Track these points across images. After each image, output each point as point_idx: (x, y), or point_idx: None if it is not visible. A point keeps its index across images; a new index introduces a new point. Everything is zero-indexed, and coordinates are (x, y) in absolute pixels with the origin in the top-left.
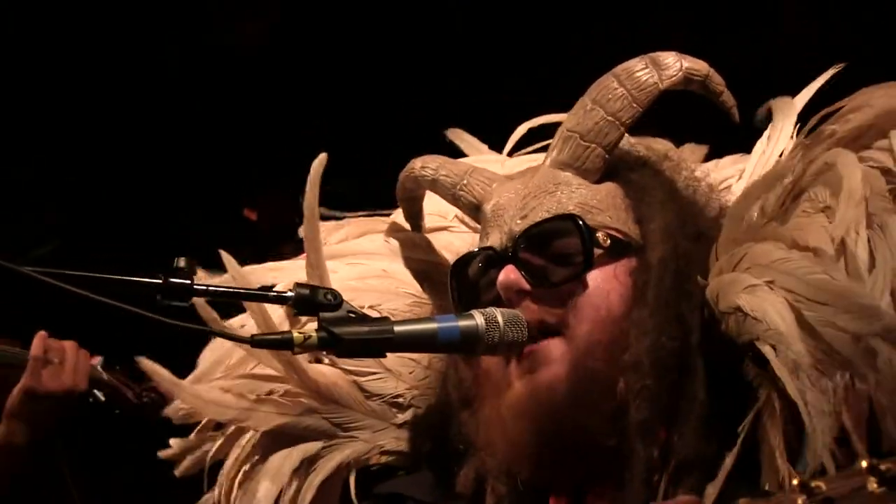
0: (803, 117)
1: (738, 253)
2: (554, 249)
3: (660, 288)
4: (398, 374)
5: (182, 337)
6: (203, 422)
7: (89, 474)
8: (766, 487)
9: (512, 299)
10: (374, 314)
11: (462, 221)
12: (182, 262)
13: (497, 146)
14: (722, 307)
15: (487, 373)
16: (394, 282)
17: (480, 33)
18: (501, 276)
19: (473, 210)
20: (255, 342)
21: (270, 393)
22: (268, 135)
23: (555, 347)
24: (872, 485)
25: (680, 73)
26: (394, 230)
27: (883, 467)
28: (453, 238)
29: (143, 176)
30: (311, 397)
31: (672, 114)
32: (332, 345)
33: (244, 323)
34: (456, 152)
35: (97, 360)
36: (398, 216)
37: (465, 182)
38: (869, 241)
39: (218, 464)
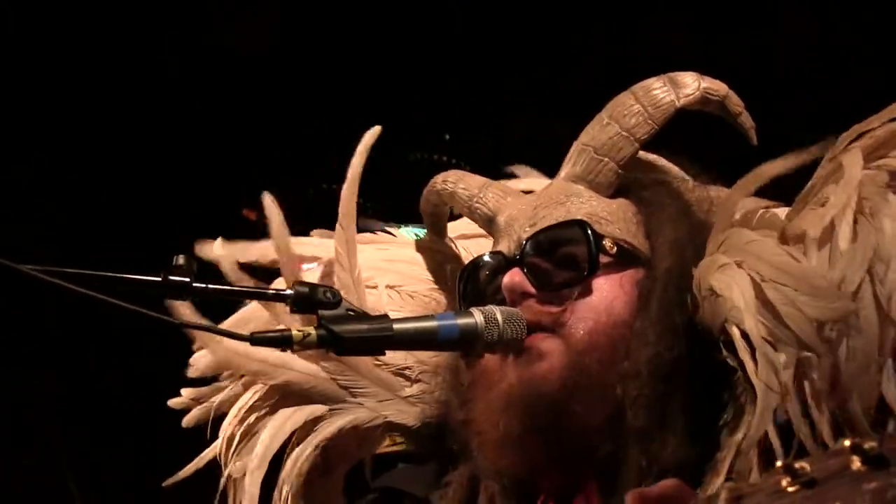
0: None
1: (720, 237)
2: (560, 254)
3: (664, 299)
4: None
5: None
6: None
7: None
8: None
9: (516, 301)
10: (394, 293)
11: None
12: (181, 260)
13: (498, 146)
14: (702, 292)
15: (484, 370)
16: (419, 268)
17: (482, 31)
18: (506, 279)
19: (488, 222)
20: (253, 340)
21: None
22: (268, 134)
23: (552, 344)
24: (856, 464)
25: (697, 93)
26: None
27: (866, 446)
28: (489, 245)
29: (142, 175)
30: (324, 356)
31: (689, 135)
32: (332, 343)
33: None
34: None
35: None
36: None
37: (480, 195)
38: (855, 222)
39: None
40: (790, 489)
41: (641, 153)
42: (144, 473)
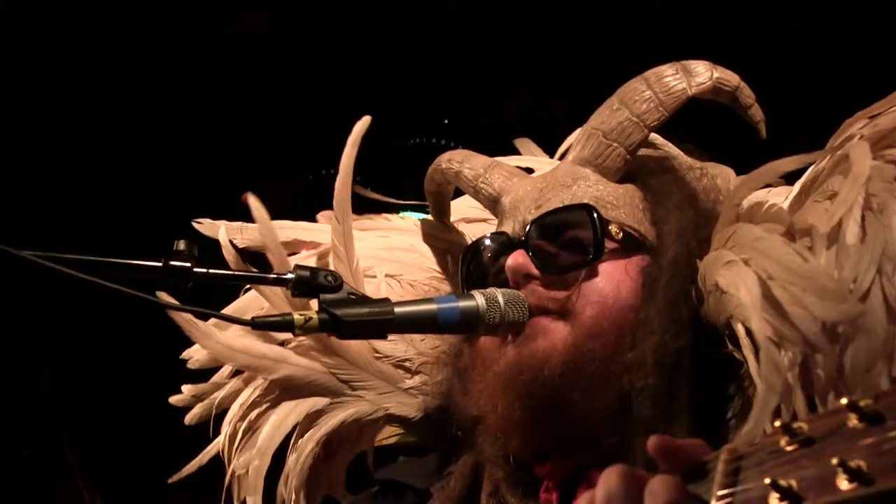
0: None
1: (727, 232)
2: (565, 237)
3: (669, 289)
4: (410, 340)
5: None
6: (222, 370)
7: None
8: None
9: (519, 283)
10: (394, 283)
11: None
12: (182, 245)
13: (500, 136)
14: (707, 287)
15: (482, 350)
16: (419, 257)
17: (483, 22)
18: (510, 261)
19: (493, 203)
20: (255, 324)
21: (283, 344)
22: (268, 121)
23: (556, 324)
24: (853, 421)
25: (710, 82)
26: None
27: (862, 404)
28: (490, 229)
29: (142, 161)
30: (322, 351)
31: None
32: (333, 326)
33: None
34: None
35: None
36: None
37: (486, 175)
38: (863, 219)
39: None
40: (788, 448)
41: (652, 135)
42: (150, 466)
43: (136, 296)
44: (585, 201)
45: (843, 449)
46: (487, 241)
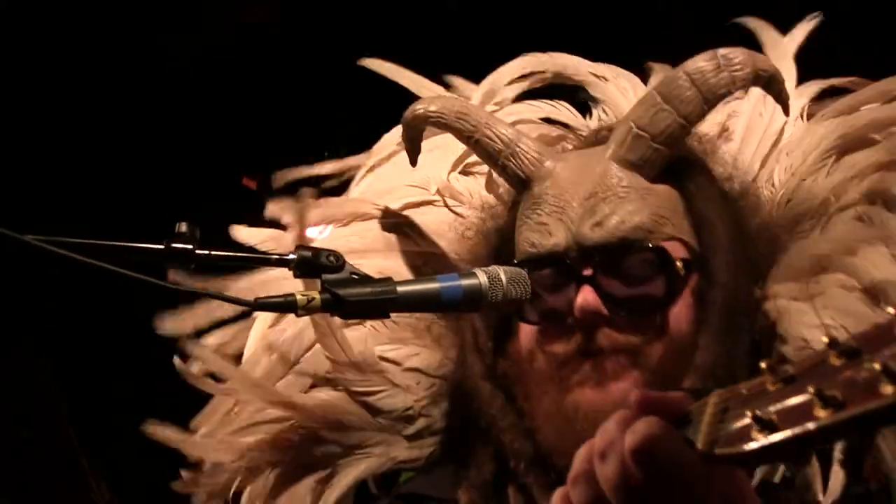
0: None
1: (814, 289)
2: (633, 275)
3: (722, 307)
4: (406, 388)
5: None
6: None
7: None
8: None
9: (588, 321)
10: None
11: (442, 196)
12: (184, 227)
13: None
14: (783, 330)
15: (538, 370)
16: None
17: (483, 22)
18: (580, 300)
19: (520, 184)
20: (257, 305)
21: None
22: (268, 105)
23: (625, 367)
24: (833, 358)
25: (751, 74)
26: (386, 218)
27: (842, 341)
28: (440, 214)
29: (143, 144)
30: (318, 429)
31: None
32: (336, 307)
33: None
34: None
35: None
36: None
37: (512, 151)
38: None
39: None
40: (771, 388)
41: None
42: (155, 457)
43: (138, 278)
44: (644, 220)
45: (821, 381)
46: (542, 260)
